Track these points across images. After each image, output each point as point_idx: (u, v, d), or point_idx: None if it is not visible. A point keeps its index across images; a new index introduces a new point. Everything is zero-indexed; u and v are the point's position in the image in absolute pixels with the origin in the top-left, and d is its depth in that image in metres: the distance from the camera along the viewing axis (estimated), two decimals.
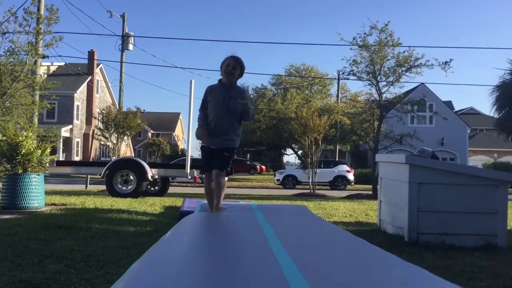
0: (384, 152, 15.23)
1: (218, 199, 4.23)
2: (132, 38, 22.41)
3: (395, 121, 15.55)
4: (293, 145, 33.40)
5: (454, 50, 64.08)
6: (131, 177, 10.05)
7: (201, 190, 16.10)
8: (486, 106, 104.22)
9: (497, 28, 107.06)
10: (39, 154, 7.14)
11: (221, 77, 4.18)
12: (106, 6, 60.59)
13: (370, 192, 14.84)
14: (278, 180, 22.72)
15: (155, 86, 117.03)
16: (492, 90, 17.38)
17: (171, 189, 12.75)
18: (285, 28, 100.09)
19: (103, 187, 11.54)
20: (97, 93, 35.95)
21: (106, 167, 10.22)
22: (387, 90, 15.12)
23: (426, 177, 4.49)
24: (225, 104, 4.06)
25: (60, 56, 25.44)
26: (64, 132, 29.60)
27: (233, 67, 4.09)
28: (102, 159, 33.71)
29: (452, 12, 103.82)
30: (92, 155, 33.74)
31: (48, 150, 7.47)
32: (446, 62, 14.26)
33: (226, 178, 4.71)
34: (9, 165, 6.93)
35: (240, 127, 4.27)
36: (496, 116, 18.32)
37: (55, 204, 7.46)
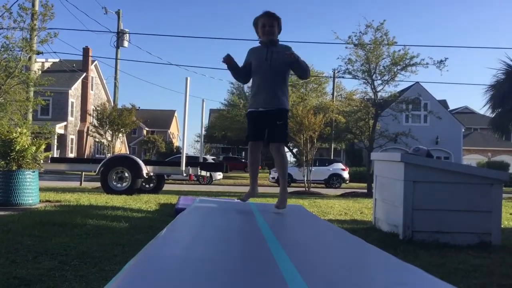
0: (379, 150, 15.29)
1: (283, 179, 3.76)
2: (127, 35, 22.36)
3: (390, 119, 15.59)
4: (288, 143, 33.38)
5: (449, 49, 64.36)
6: (126, 174, 10.02)
7: (196, 188, 16.11)
8: (480, 105, 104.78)
9: (494, 27, 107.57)
10: (33, 151, 7.11)
11: (260, 39, 3.85)
12: (101, 2, 60.28)
13: (365, 190, 14.89)
14: (273, 178, 22.73)
15: (150, 83, 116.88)
16: (486, 90, 17.45)
17: (166, 187, 12.73)
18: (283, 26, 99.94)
19: (98, 184, 11.51)
20: (92, 90, 35.81)
21: (101, 164, 10.18)
22: (382, 88, 15.22)
23: (421, 176, 4.50)
24: (268, 60, 3.73)
25: (54, 52, 25.20)
26: (59, 129, 29.46)
27: (269, 25, 3.76)
28: (97, 156, 33.62)
29: (449, 10, 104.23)
30: (87, 152, 33.64)
31: (43, 147, 7.44)
32: (441, 61, 14.36)
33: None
34: (3, 162, 6.90)
35: (287, 88, 3.89)
36: (490, 115, 18.41)
37: (49, 201, 7.44)
